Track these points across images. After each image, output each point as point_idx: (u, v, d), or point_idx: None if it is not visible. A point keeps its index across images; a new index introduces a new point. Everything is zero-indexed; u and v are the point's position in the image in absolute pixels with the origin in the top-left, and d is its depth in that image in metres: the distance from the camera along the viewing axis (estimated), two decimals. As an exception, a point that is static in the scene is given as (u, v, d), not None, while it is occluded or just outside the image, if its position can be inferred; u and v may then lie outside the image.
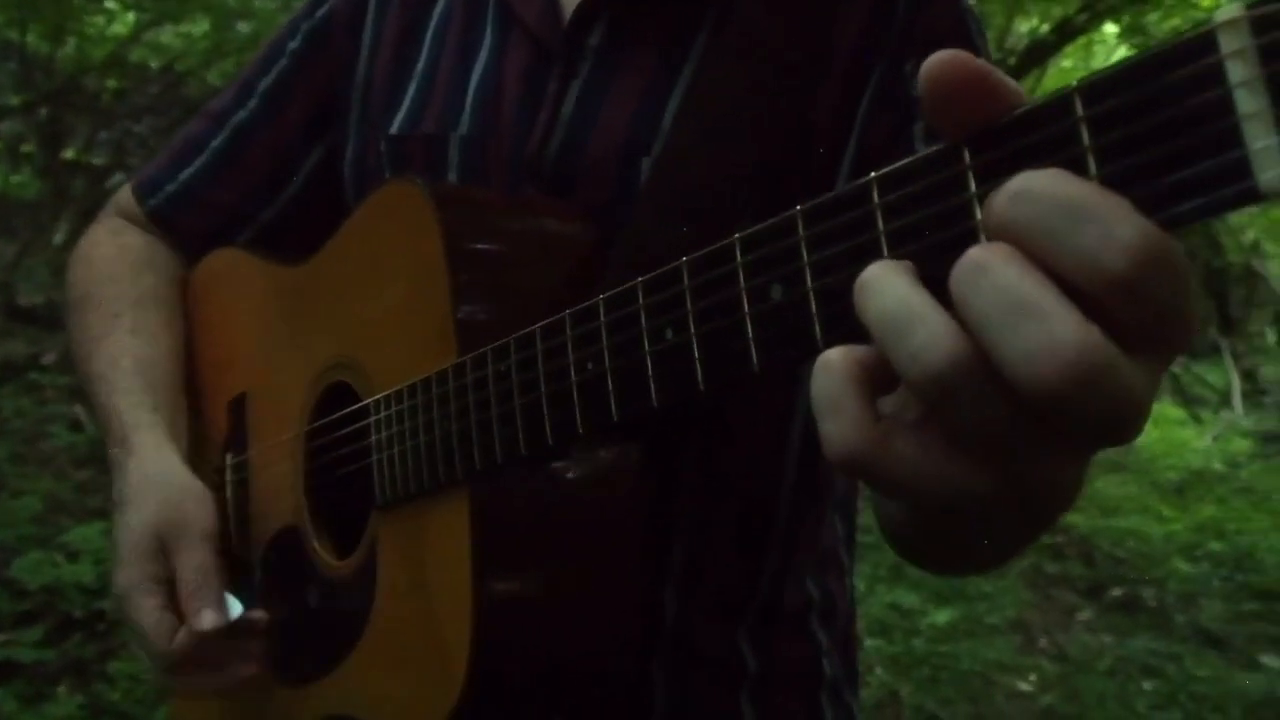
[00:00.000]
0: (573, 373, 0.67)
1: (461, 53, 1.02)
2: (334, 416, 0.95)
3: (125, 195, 1.20)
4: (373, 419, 0.88)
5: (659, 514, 0.90)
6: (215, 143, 1.15)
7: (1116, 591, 5.21)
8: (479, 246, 0.85)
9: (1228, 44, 0.37)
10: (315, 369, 0.99)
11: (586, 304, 0.66)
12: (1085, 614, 5.01)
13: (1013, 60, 10.13)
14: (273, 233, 1.15)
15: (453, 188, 0.95)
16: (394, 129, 1.02)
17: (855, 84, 0.91)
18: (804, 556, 1.02)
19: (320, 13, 1.12)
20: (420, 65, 1.04)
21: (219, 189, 1.15)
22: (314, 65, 1.12)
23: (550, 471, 0.80)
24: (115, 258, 1.16)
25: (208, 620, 0.93)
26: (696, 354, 0.58)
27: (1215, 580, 5.56)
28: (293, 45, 1.13)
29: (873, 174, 0.49)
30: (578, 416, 0.67)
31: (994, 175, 0.44)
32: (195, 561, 0.96)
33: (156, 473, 1.01)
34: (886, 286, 0.44)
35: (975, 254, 0.41)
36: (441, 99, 1.01)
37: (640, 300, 0.62)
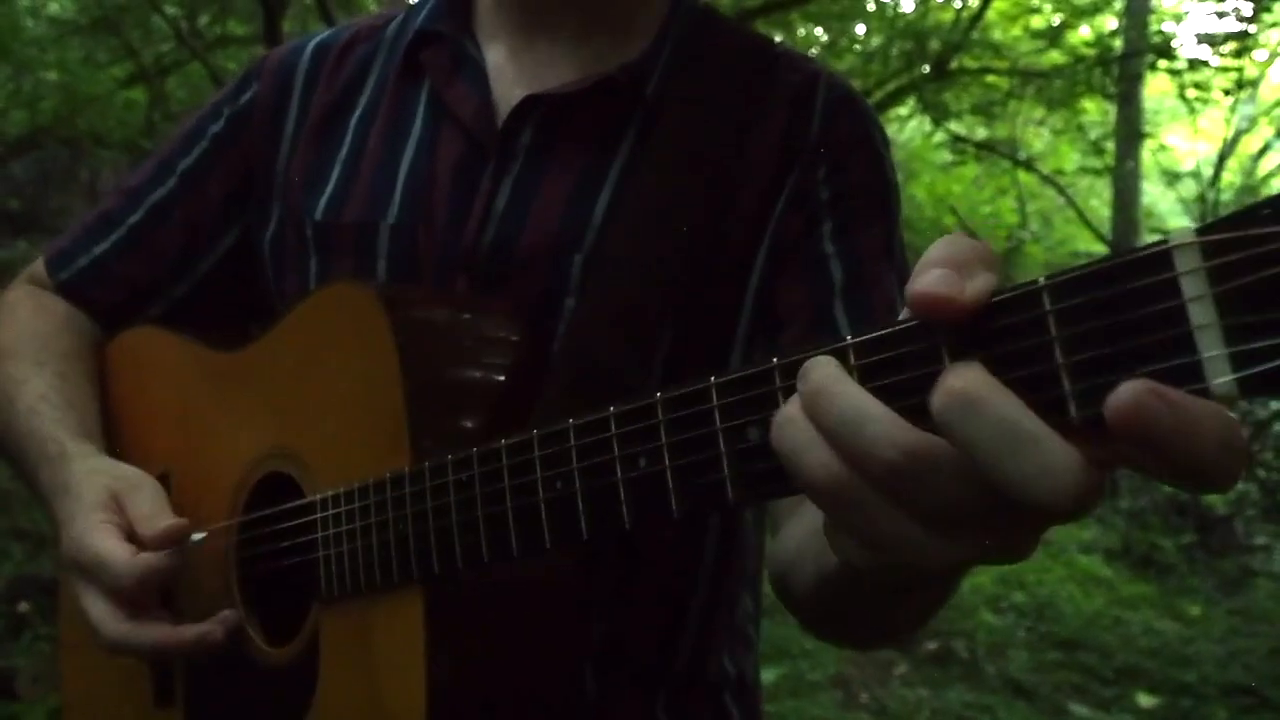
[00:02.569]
0: (540, 489, 0.72)
1: (389, 141, 1.06)
2: (275, 509, 0.96)
3: (38, 267, 1.21)
4: (319, 515, 0.91)
5: (579, 591, 0.94)
6: (132, 219, 1.17)
7: (930, 645, 5.42)
8: (430, 350, 0.89)
9: (1182, 263, 0.44)
10: (250, 457, 1.01)
11: (557, 427, 0.71)
12: (901, 668, 5.21)
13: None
14: (184, 307, 1.17)
15: (402, 290, 0.98)
16: (318, 214, 1.05)
17: (771, 188, 0.99)
18: (720, 632, 1.07)
19: (244, 97, 1.15)
20: (344, 151, 1.08)
21: (132, 264, 1.17)
22: (234, 148, 1.14)
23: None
24: (35, 316, 1.17)
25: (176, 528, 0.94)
26: (671, 484, 0.64)
27: (1020, 631, 5.86)
28: (215, 128, 1.15)
29: (849, 339, 0.55)
30: (546, 533, 0.72)
31: (969, 353, 0.50)
32: (150, 501, 0.96)
33: (107, 461, 1.03)
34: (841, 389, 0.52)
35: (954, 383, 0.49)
36: (368, 185, 1.04)
37: (613, 429, 0.67)
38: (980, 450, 0.47)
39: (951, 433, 0.48)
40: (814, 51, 11.22)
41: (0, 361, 1.14)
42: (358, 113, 1.09)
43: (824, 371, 0.53)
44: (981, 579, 6.43)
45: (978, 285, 0.50)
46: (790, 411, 0.54)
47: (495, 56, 1.06)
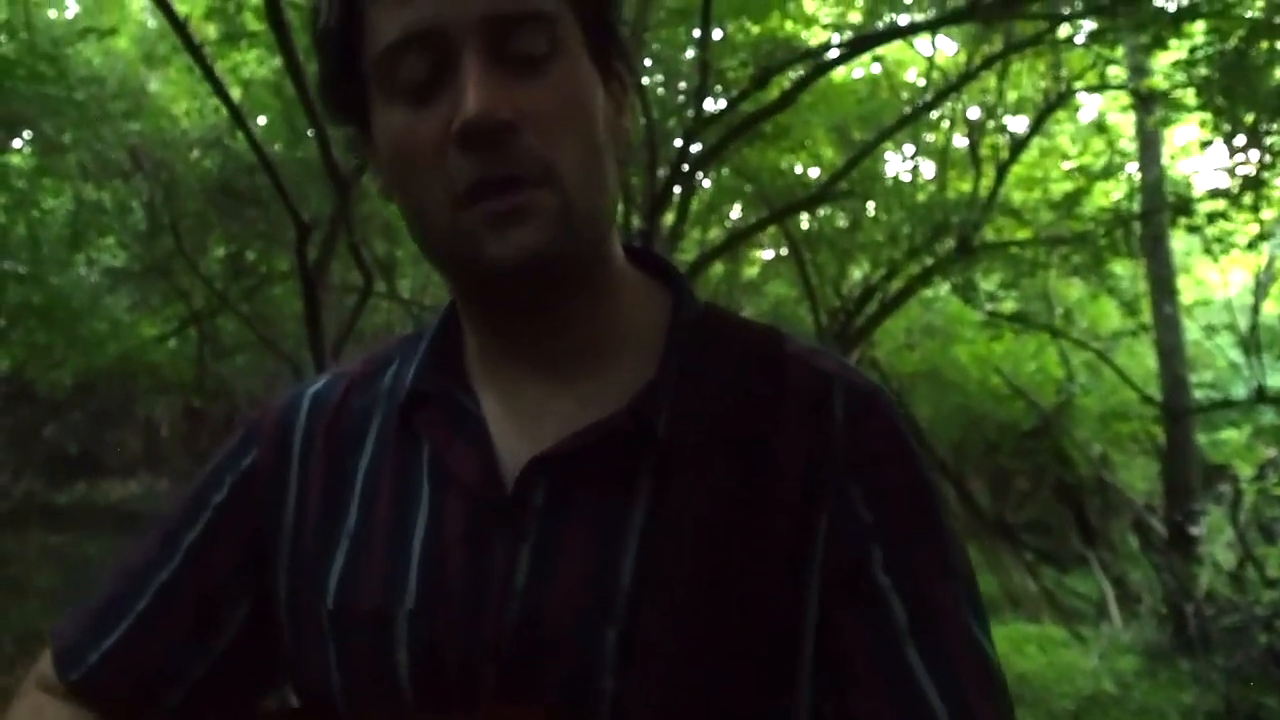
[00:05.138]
0: None
1: (397, 514, 0.99)
2: None
3: (45, 665, 1.12)
4: None
5: None
6: (139, 606, 1.08)
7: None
8: None
9: None
10: None
11: None
12: None
13: (850, 306, 10.73)
14: (206, 689, 1.08)
15: None
16: (330, 600, 0.99)
17: (807, 518, 0.92)
18: None
19: (245, 461, 1.09)
20: (349, 524, 1.01)
21: (145, 654, 1.08)
22: (239, 517, 1.07)
23: None
24: None
25: None
26: None
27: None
28: (217, 498, 1.09)
29: None
30: None
31: None
32: None
33: None
34: None
35: None
36: (380, 567, 0.97)
37: None
38: None
39: None
40: (842, 224, 11.41)
41: None
42: (359, 481, 1.03)
43: None
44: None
45: None
46: None
47: (491, 405, 1.01)
